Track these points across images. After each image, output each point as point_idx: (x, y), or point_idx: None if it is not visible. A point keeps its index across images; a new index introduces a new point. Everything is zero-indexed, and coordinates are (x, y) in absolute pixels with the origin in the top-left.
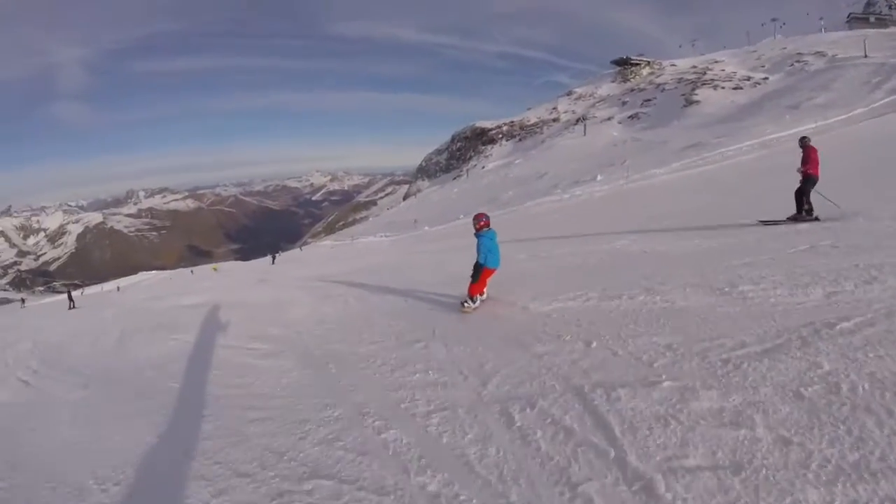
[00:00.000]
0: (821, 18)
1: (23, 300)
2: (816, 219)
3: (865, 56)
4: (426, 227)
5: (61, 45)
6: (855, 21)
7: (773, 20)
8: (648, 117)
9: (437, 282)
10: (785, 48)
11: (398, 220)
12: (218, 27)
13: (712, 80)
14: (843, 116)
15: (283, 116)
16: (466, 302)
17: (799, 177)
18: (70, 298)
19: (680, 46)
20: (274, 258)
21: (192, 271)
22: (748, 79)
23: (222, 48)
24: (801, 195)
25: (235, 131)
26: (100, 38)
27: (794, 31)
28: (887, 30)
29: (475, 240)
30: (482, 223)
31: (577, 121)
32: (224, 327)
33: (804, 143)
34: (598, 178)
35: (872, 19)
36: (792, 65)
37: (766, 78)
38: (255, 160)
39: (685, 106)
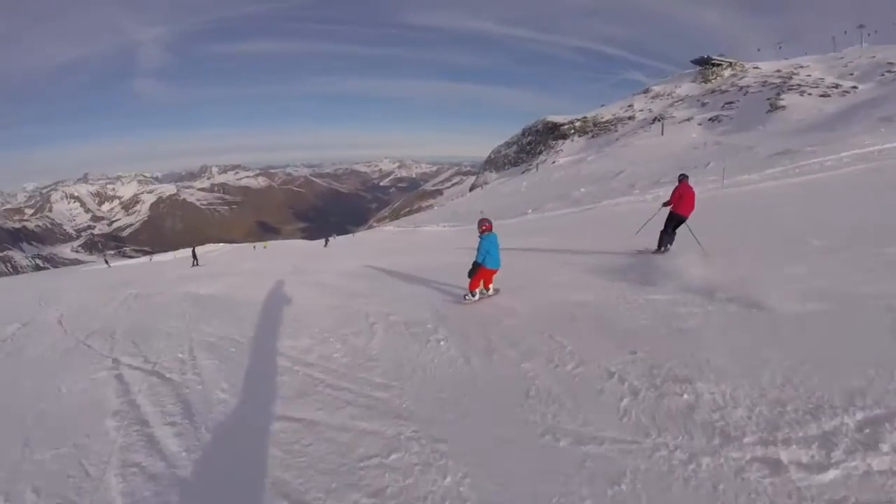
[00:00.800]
0: None
1: (107, 261)
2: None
3: None
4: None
5: (145, 25)
6: None
7: (860, 27)
8: (730, 120)
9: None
10: (874, 56)
11: (463, 211)
12: (295, 12)
13: (799, 85)
14: None
15: (355, 102)
16: (467, 296)
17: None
18: (194, 256)
19: (759, 50)
20: (327, 241)
21: (254, 247)
22: (836, 86)
23: (299, 32)
24: (667, 230)
25: (308, 114)
26: (182, 18)
27: (882, 39)
28: None
29: (532, 242)
30: (485, 227)
31: (654, 120)
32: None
33: (681, 179)
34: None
35: None
36: (883, 74)
37: (856, 87)
38: (327, 143)
39: (770, 111)
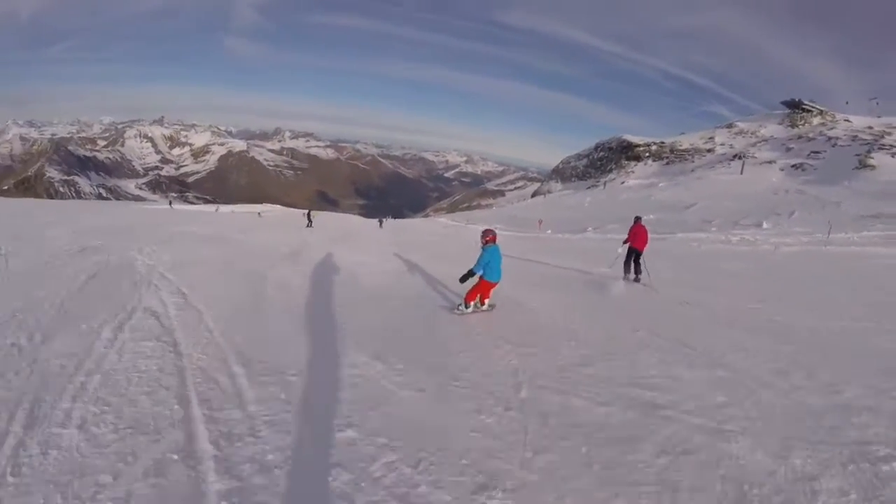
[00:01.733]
0: None
1: (171, 202)
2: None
3: None
4: (549, 231)
5: None
6: None
7: None
8: (815, 171)
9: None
10: None
11: (521, 216)
12: None
13: (892, 146)
14: None
15: (433, 90)
16: (460, 306)
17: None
18: (309, 219)
19: (847, 103)
20: (381, 222)
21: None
22: None
23: (389, 14)
24: (628, 261)
25: (386, 95)
26: None
27: None
28: None
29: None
30: (489, 238)
31: (735, 157)
32: None
33: (636, 220)
34: (764, 225)
35: None
36: None
37: None
38: (398, 126)
39: (857, 168)
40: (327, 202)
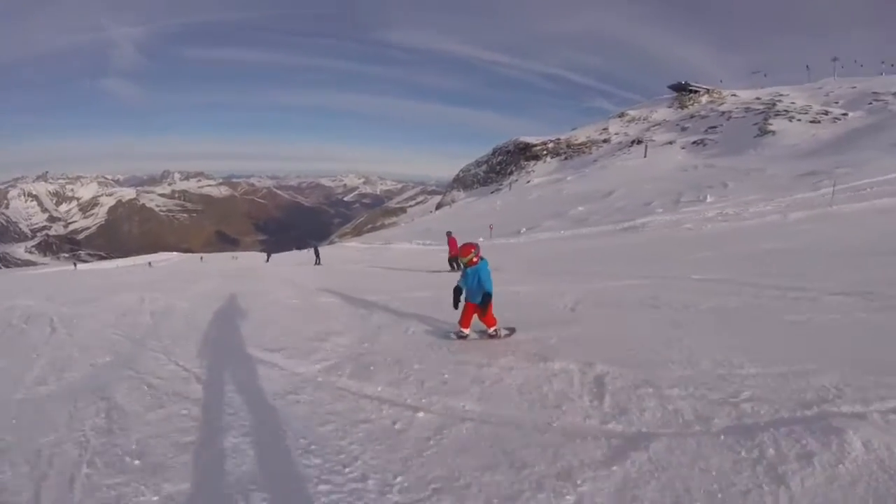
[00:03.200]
0: (882, 62)
1: (75, 264)
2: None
3: None
4: (480, 239)
5: (119, 23)
6: None
7: (834, 60)
8: (716, 144)
9: None
10: (854, 87)
11: (437, 228)
12: (269, 22)
13: (786, 111)
14: None
15: (324, 115)
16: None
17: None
18: (317, 254)
19: (720, 81)
20: (269, 257)
21: (201, 258)
22: (826, 113)
23: (272, 42)
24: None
25: (276, 124)
26: (156, 19)
27: (851, 72)
28: None
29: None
30: (479, 256)
31: (634, 142)
32: None
33: (448, 235)
34: (708, 199)
35: None
36: (871, 103)
37: (846, 114)
38: (292, 155)
39: (758, 136)
40: (227, 242)
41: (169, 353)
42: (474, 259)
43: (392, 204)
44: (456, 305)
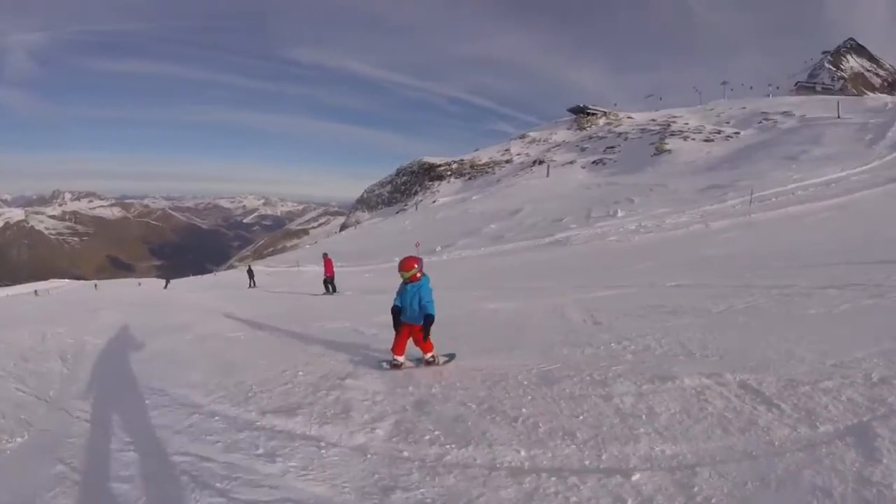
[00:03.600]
0: (769, 85)
1: None
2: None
3: (839, 117)
4: (396, 259)
5: (12, 28)
6: (802, 89)
7: (724, 83)
8: (615, 163)
9: None
10: (744, 108)
11: (346, 250)
12: (168, 33)
13: (681, 131)
14: (862, 167)
15: (221, 133)
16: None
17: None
18: (251, 276)
19: (615, 105)
20: (167, 283)
21: (95, 285)
22: (718, 132)
23: (169, 55)
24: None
25: (172, 142)
26: (55, 25)
27: (740, 95)
28: (832, 97)
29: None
30: (422, 271)
31: (535, 162)
32: None
33: (324, 256)
34: (619, 213)
35: (819, 88)
36: (761, 122)
37: (738, 132)
38: (189, 175)
39: (655, 154)
40: (120, 268)
41: (105, 424)
42: (417, 275)
43: (293, 226)
44: (395, 328)
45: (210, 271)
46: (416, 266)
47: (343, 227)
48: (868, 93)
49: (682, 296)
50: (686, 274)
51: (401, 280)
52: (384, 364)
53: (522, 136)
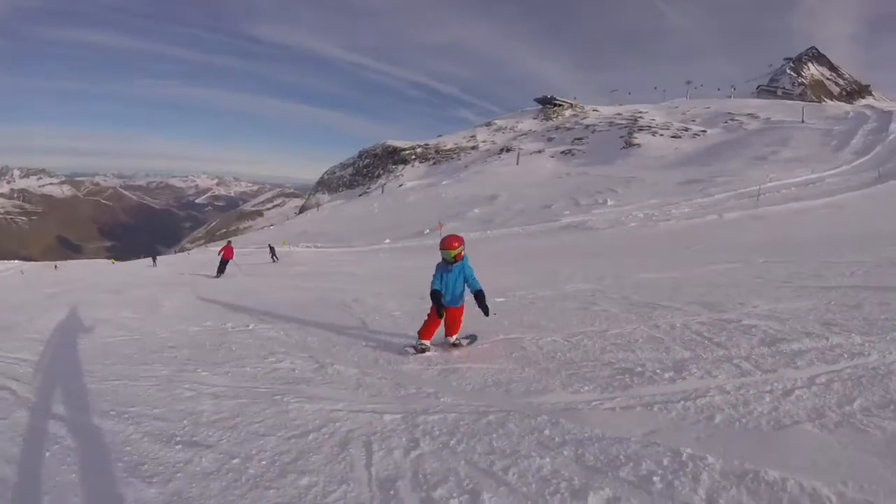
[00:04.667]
0: (732, 87)
1: None
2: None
3: (803, 122)
4: (387, 241)
5: None
6: (763, 92)
7: (688, 83)
8: (584, 154)
9: None
10: (709, 107)
11: (315, 231)
12: (119, 2)
13: (649, 126)
14: (832, 171)
15: (176, 110)
16: (419, 345)
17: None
18: (272, 252)
19: (575, 98)
20: (155, 260)
21: (55, 266)
22: (686, 129)
23: (125, 26)
24: (221, 267)
25: (125, 118)
26: None
27: (700, 95)
28: (791, 102)
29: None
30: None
31: (502, 150)
32: None
33: (228, 242)
34: (609, 202)
35: (780, 93)
36: (727, 122)
37: (705, 131)
38: (142, 152)
39: (624, 147)
40: (70, 249)
41: None
42: (463, 252)
43: (247, 207)
44: (441, 314)
45: (160, 253)
46: (459, 245)
47: (302, 209)
48: (826, 100)
49: (784, 270)
50: (749, 254)
51: (442, 260)
52: (409, 349)
53: (488, 124)
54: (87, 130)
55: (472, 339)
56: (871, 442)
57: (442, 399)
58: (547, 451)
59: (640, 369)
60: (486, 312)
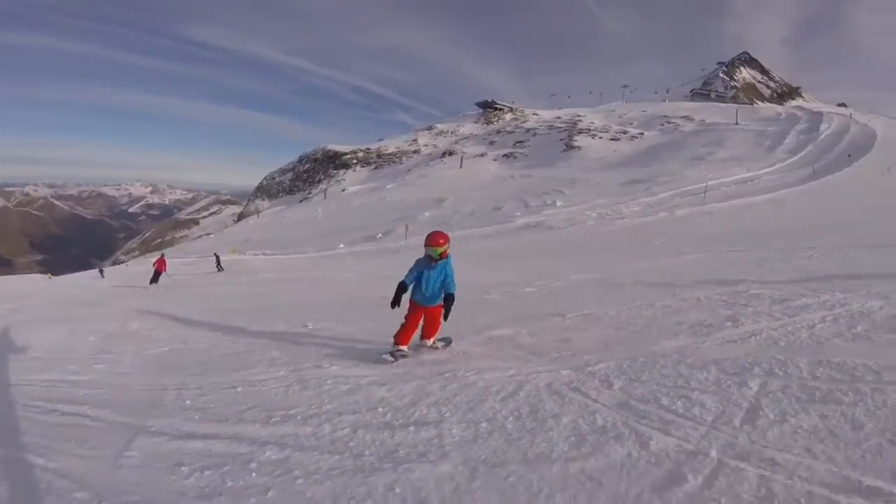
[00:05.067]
0: (667, 90)
1: None
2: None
3: (737, 123)
4: (341, 246)
5: None
6: (697, 96)
7: (625, 86)
8: (526, 157)
9: None
10: (645, 111)
11: (258, 238)
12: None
13: (588, 129)
14: (767, 169)
15: (108, 114)
16: (396, 351)
17: None
18: (218, 262)
19: (514, 102)
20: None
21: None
22: (624, 132)
23: (49, 25)
24: (154, 279)
25: (55, 124)
26: None
27: (636, 98)
28: (724, 105)
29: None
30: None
31: (445, 154)
32: None
33: (161, 255)
34: (558, 203)
35: (713, 95)
36: (663, 125)
37: (642, 133)
38: (73, 160)
39: (565, 150)
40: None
41: None
42: (448, 250)
43: (182, 215)
44: (396, 304)
45: (94, 266)
46: (444, 243)
47: (241, 216)
48: (758, 102)
49: (751, 256)
50: (713, 245)
51: (426, 256)
52: (386, 356)
53: (430, 128)
54: (17, 137)
55: (448, 341)
56: (877, 344)
57: (587, 357)
58: (698, 370)
59: (707, 324)
60: (446, 317)
